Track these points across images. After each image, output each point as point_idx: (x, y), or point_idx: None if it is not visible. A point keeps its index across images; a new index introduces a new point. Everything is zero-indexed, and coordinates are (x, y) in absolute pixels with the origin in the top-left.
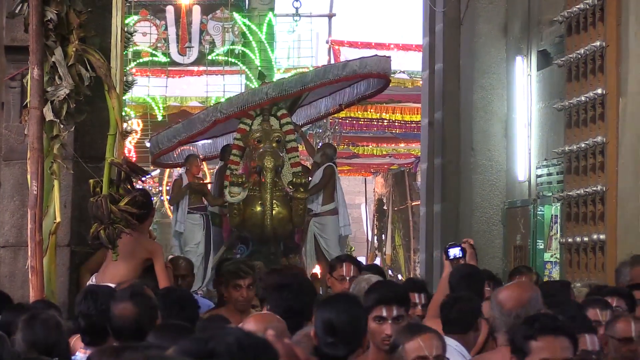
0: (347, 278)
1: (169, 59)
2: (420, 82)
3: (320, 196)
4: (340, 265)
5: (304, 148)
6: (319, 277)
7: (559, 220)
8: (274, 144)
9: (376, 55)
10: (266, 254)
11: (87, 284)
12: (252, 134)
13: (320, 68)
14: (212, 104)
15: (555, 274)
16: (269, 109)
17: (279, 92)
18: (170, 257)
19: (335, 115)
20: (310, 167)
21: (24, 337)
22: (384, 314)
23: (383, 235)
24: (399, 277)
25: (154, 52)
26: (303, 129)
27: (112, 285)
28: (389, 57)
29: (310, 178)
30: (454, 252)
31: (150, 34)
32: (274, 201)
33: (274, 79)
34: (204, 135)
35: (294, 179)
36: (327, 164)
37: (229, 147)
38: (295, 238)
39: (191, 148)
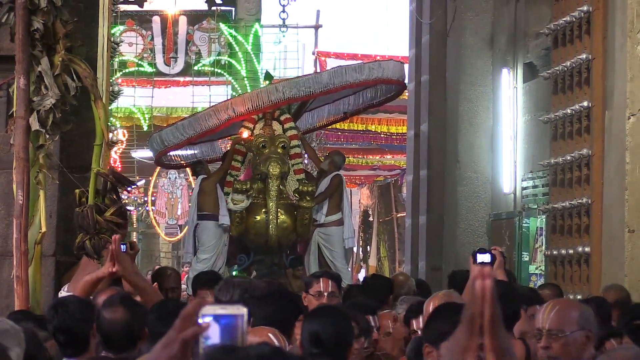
0: (325, 294)
1: (155, 69)
2: (406, 93)
3: (325, 206)
4: (317, 281)
5: (308, 155)
6: None
7: (544, 233)
8: (279, 150)
9: (391, 59)
10: (269, 265)
11: (59, 294)
12: (256, 138)
13: (337, 69)
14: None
15: None
16: (272, 112)
17: (296, 93)
18: (157, 267)
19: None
20: (313, 174)
21: None
22: None
23: (368, 247)
24: None
25: (140, 62)
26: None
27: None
28: (403, 62)
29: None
30: (482, 258)
31: (137, 44)
32: (278, 210)
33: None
34: (215, 133)
35: (300, 187)
36: (335, 172)
37: (200, 162)
38: (298, 248)
39: (175, 158)
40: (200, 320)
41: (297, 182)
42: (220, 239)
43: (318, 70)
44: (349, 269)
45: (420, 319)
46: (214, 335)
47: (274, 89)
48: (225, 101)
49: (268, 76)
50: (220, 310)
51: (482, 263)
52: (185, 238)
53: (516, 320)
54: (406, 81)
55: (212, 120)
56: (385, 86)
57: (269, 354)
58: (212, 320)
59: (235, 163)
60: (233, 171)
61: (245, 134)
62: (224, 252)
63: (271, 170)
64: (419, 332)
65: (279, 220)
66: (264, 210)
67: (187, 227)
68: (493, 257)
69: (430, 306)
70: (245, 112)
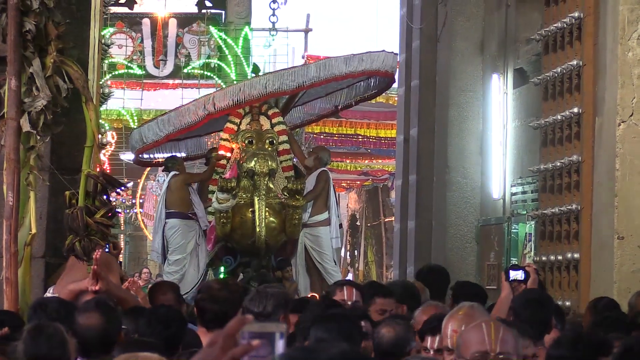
0: (349, 303)
1: (144, 72)
2: (396, 98)
3: (310, 205)
4: (340, 289)
5: (292, 151)
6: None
7: (533, 239)
8: (267, 146)
9: (383, 50)
10: (256, 267)
11: (45, 295)
12: (242, 134)
13: (325, 61)
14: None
15: None
16: (259, 107)
17: (279, 86)
18: (154, 281)
19: (309, 129)
20: (303, 171)
21: None
22: None
23: (356, 251)
24: None
25: (129, 64)
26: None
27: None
28: (396, 53)
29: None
30: (516, 274)
31: (126, 46)
32: (266, 209)
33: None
34: (193, 130)
35: (289, 185)
36: (321, 169)
37: (174, 158)
38: (287, 249)
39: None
40: (240, 338)
41: (286, 180)
42: (190, 238)
43: None
44: (339, 272)
45: (438, 337)
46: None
47: (257, 82)
48: (206, 95)
49: (255, 69)
50: (261, 328)
51: (515, 280)
52: (152, 236)
53: (547, 331)
54: (396, 76)
55: (192, 116)
56: (380, 78)
57: (352, 354)
58: (253, 338)
59: (221, 160)
60: (218, 168)
61: (223, 149)
62: (202, 252)
63: (258, 167)
64: (432, 352)
65: (266, 220)
66: (250, 209)
67: (154, 225)
68: (527, 275)
69: (452, 324)
70: (226, 106)
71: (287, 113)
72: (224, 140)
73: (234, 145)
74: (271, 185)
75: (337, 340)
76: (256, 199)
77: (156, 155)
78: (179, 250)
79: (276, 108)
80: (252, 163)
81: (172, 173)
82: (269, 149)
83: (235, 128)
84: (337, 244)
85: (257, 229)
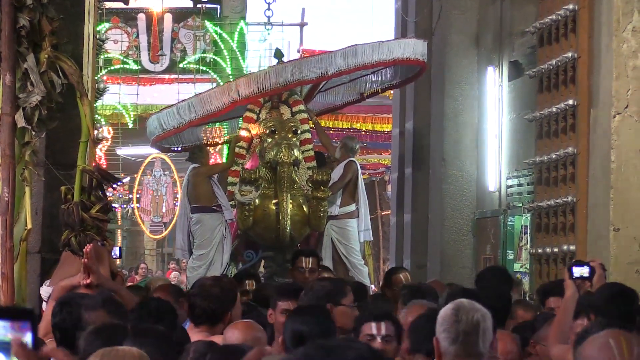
0: (306, 270)
1: (140, 67)
2: (391, 91)
3: (338, 197)
4: (300, 259)
5: (319, 140)
6: None
7: (529, 231)
8: (290, 135)
9: (413, 37)
10: (280, 262)
11: (41, 289)
12: (264, 122)
13: (350, 49)
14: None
15: (525, 285)
16: (279, 95)
17: (307, 74)
18: (154, 280)
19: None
20: (324, 156)
21: None
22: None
23: None
24: (372, 287)
25: (125, 59)
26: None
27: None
28: (426, 41)
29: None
30: (580, 271)
31: (122, 41)
32: (290, 201)
33: None
34: (217, 117)
35: (315, 176)
36: (349, 159)
37: (199, 148)
38: (310, 243)
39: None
40: None
41: (309, 171)
42: (217, 232)
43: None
44: (366, 266)
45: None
46: None
47: (282, 69)
48: (229, 82)
49: (278, 54)
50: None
51: (580, 278)
52: (176, 234)
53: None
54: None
55: (216, 103)
56: (406, 66)
57: (367, 354)
58: None
59: (240, 150)
60: (238, 159)
61: (244, 133)
62: (227, 246)
63: (282, 157)
64: None
65: (291, 213)
66: (274, 201)
67: (177, 222)
68: (592, 270)
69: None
70: (251, 94)
71: (310, 100)
72: (243, 129)
73: (254, 131)
74: (295, 176)
75: (313, 333)
76: (280, 190)
77: (177, 145)
78: (204, 244)
79: (297, 96)
80: (276, 153)
81: (192, 166)
82: (293, 138)
83: (255, 117)
84: (367, 236)
85: (282, 222)
